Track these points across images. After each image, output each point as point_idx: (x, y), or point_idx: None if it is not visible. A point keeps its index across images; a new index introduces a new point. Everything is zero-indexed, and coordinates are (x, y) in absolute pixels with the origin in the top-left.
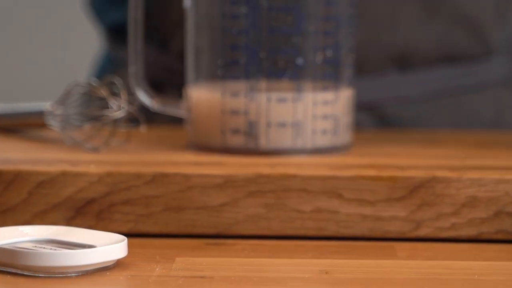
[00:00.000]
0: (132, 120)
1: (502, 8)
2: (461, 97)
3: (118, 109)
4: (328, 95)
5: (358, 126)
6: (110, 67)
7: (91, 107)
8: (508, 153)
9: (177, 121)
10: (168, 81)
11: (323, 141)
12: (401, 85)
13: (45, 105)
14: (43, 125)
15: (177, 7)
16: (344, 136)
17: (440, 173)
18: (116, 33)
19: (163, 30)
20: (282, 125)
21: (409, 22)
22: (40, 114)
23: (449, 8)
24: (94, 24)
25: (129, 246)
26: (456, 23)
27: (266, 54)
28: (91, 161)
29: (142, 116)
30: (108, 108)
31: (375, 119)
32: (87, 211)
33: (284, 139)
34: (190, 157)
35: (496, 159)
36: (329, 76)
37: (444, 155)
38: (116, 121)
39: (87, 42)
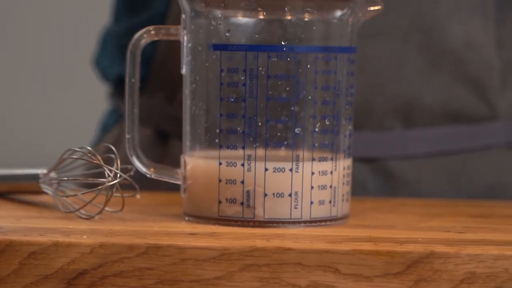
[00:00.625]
0: (128, 187)
1: (507, 72)
2: (464, 156)
3: (114, 176)
4: (326, 166)
5: (359, 180)
6: (114, 125)
7: (87, 174)
8: (507, 226)
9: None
10: (173, 131)
11: (320, 212)
12: (405, 141)
13: (40, 171)
14: (37, 191)
15: None
16: (342, 207)
17: (438, 248)
18: (121, 86)
19: (171, 81)
20: (280, 195)
21: (413, 75)
22: (35, 179)
23: (452, 63)
24: (101, 81)
25: None
26: (460, 80)
27: (264, 123)
28: (84, 231)
29: (137, 184)
30: (103, 175)
31: (377, 173)
32: (79, 282)
33: (281, 210)
34: (185, 227)
35: (496, 232)
36: (327, 145)
37: (443, 227)
38: (111, 189)
39: (86, 108)
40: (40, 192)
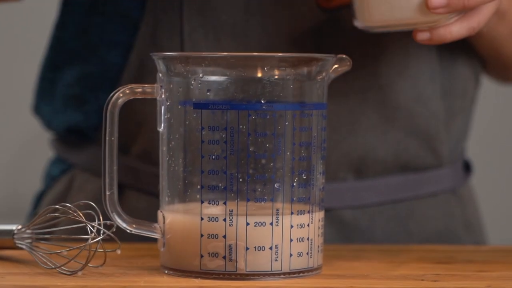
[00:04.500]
0: (108, 240)
1: (449, 119)
2: (413, 204)
3: (97, 232)
4: (304, 219)
5: None
6: (62, 174)
7: (68, 231)
8: (474, 272)
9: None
10: (128, 181)
11: (299, 263)
12: (357, 191)
13: (14, 227)
14: (11, 247)
15: (139, 111)
16: (317, 258)
17: None
18: (67, 135)
19: (125, 133)
20: (261, 248)
21: (368, 130)
22: (8, 235)
23: (404, 118)
24: (44, 129)
25: None
26: (411, 133)
27: (244, 179)
28: None
29: (117, 239)
30: (85, 231)
31: (332, 222)
32: None
33: (263, 263)
34: (169, 281)
35: (468, 280)
36: (304, 199)
37: (415, 275)
38: (92, 245)
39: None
40: (14, 248)
